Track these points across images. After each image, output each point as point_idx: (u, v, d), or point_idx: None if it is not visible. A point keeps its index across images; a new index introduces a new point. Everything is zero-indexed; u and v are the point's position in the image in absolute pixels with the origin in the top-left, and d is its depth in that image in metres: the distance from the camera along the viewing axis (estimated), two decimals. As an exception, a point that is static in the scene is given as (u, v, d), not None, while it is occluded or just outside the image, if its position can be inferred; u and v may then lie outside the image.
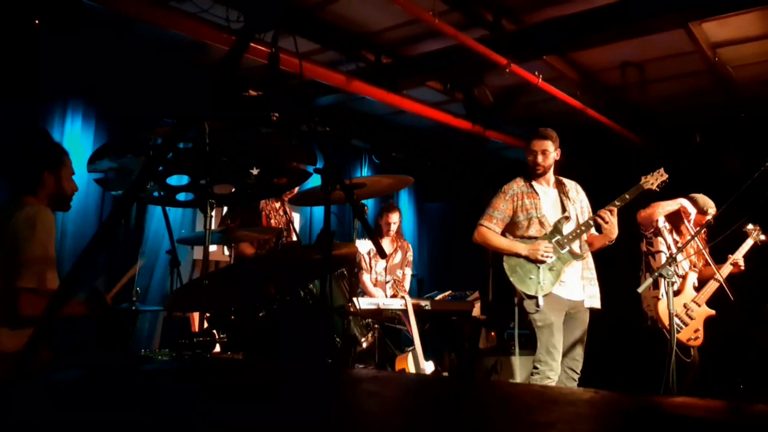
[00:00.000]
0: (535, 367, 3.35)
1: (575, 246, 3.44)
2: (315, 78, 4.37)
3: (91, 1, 3.21)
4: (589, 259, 3.54)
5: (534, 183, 3.56)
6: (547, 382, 3.27)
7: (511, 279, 3.43)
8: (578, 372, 3.44)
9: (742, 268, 3.97)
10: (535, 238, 3.44)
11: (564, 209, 3.50)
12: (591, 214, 3.52)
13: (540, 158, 3.51)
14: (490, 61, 4.16)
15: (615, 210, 3.37)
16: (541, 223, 3.46)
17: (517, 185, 3.58)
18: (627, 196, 3.42)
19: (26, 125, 3.96)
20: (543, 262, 3.36)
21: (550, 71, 4.79)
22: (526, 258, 3.40)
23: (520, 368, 4.23)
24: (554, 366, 3.29)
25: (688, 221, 3.89)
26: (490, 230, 3.51)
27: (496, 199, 3.57)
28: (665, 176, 3.49)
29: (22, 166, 2.48)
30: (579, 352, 3.46)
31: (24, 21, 3.72)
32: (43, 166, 2.46)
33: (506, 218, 3.53)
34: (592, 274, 3.52)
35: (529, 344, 3.65)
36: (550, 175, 3.61)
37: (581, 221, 3.49)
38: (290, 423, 0.70)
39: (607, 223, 3.34)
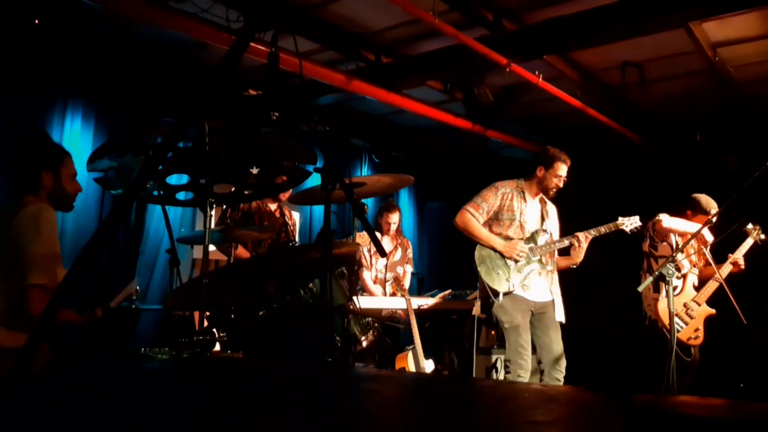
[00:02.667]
0: (506, 367, 3.51)
1: (545, 259, 3.63)
2: (315, 77, 4.37)
3: (90, 1, 3.20)
4: (556, 276, 3.70)
5: (526, 191, 3.71)
6: (518, 381, 3.40)
7: (479, 268, 3.58)
8: (562, 371, 3.50)
9: (743, 267, 3.97)
10: (512, 239, 3.61)
11: (543, 223, 3.71)
12: (559, 238, 3.69)
13: (562, 183, 3.67)
14: (491, 61, 4.15)
15: (590, 238, 3.55)
16: (521, 228, 3.63)
17: (511, 186, 3.72)
18: (603, 230, 3.60)
19: (26, 125, 3.96)
20: (516, 260, 3.54)
21: (550, 71, 4.79)
22: (500, 254, 3.57)
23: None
24: (524, 365, 3.43)
25: (705, 247, 3.91)
26: (474, 218, 3.63)
27: (488, 191, 3.68)
28: (639, 225, 3.65)
29: (20, 166, 2.48)
30: (559, 352, 3.54)
31: (24, 21, 3.71)
32: (41, 166, 2.46)
33: (491, 212, 3.66)
34: (558, 290, 3.69)
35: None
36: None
37: (554, 239, 3.68)
38: (290, 423, 0.70)
39: (579, 245, 3.52)
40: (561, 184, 3.64)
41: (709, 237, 3.93)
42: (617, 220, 3.65)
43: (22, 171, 2.48)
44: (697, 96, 5.42)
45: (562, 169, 3.63)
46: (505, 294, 3.51)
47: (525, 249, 3.55)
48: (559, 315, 3.61)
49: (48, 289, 2.26)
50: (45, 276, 2.27)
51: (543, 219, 3.71)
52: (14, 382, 1.02)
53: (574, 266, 3.64)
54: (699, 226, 4.00)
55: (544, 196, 3.76)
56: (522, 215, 3.64)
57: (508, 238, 3.61)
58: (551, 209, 3.83)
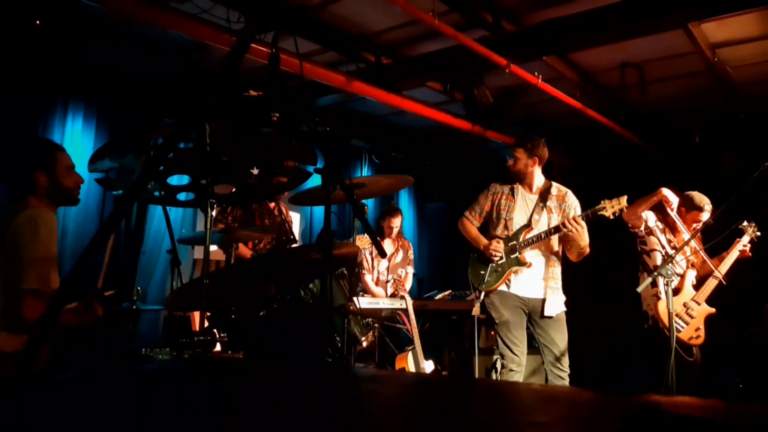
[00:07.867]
0: (502, 364, 3.55)
1: (528, 254, 3.56)
2: (315, 78, 4.37)
3: (91, 1, 3.20)
4: (556, 270, 3.63)
5: (516, 187, 3.70)
6: (511, 374, 3.45)
7: (469, 268, 3.71)
8: (565, 369, 3.48)
9: (749, 254, 3.95)
10: (498, 237, 3.63)
11: (532, 218, 3.60)
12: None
13: (510, 162, 3.71)
14: (490, 62, 4.16)
15: (579, 218, 3.41)
16: (506, 226, 3.64)
17: (501, 186, 3.76)
18: (590, 214, 3.45)
19: (11, 130, 3.92)
20: (491, 260, 3.58)
21: (549, 72, 4.80)
22: (482, 253, 3.64)
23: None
24: (515, 359, 3.46)
25: (671, 209, 3.80)
26: (468, 220, 3.78)
27: (481, 195, 3.81)
28: (624, 205, 3.43)
29: (14, 170, 2.47)
30: (560, 351, 3.51)
31: (25, 21, 3.72)
32: (34, 166, 2.44)
33: (483, 213, 3.75)
34: (557, 284, 3.61)
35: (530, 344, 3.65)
36: (535, 182, 3.69)
37: (538, 233, 3.57)
38: (290, 423, 0.71)
39: (567, 228, 3.38)
40: (509, 163, 3.69)
41: (683, 228, 3.87)
42: (600, 203, 3.45)
43: (17, 174, 2.46)
44: (696, 97, 5.43)
45: (511, 156, 3.70)
46: (488, 292, 3.58)
47: (500, 248, 3.55)
48: (548, 309, 3.49)
49: (41, 294, 2.24)
50: (38, 281, 2.25)
51: (533, 214, 3.60)
52: (14, 383, 1.02)
53: (581, 250, 3.48)
54: (659, 191, 3.89)
55: (549, 188, 3.67)
56: (509, 213, 3.64)
57: (495, 237, 3.63)
58: (556, 197, 3.66)
